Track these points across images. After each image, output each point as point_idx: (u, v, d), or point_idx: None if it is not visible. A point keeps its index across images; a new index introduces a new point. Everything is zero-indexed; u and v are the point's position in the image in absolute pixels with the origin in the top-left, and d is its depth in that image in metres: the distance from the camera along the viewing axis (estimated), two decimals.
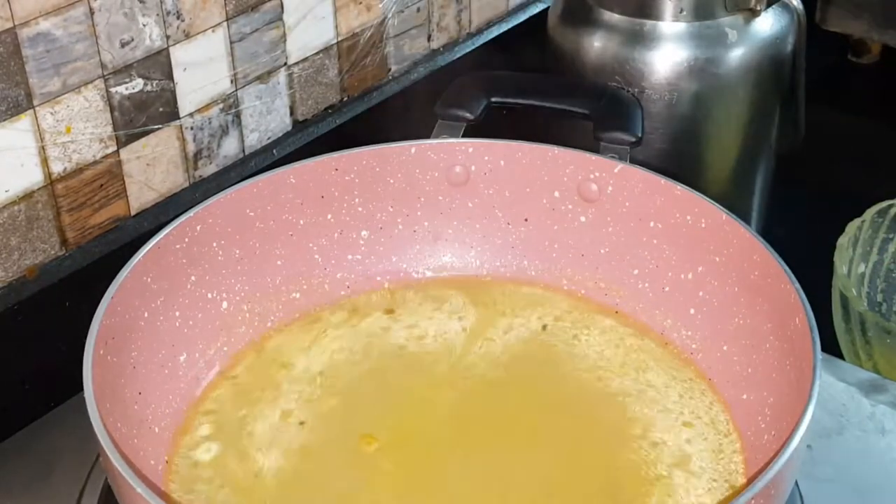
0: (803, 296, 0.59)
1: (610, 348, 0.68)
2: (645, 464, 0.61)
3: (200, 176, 0.80)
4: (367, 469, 0.61)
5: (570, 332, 0.70)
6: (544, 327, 0.70)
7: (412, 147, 0.72)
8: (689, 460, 0.61)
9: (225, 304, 0.68)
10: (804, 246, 0.71)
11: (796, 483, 0.62)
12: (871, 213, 0.85)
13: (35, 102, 0.68)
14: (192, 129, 0.78)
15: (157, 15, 0.72)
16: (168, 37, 0.73)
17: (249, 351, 0.69)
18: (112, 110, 0.72)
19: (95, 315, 0.58)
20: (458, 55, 0.97)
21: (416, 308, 0.72)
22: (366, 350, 0.69)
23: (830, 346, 0.80)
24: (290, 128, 0.86)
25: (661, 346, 0.68)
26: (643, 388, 0.66)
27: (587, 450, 0.62)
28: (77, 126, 0.70)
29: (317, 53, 0.85)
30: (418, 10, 0.92)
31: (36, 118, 0.68)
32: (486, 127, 0.76)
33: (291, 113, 0.85)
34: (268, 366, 0.68)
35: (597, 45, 0.87)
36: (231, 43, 0.78)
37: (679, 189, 0.67)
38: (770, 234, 0.66)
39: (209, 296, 0.67)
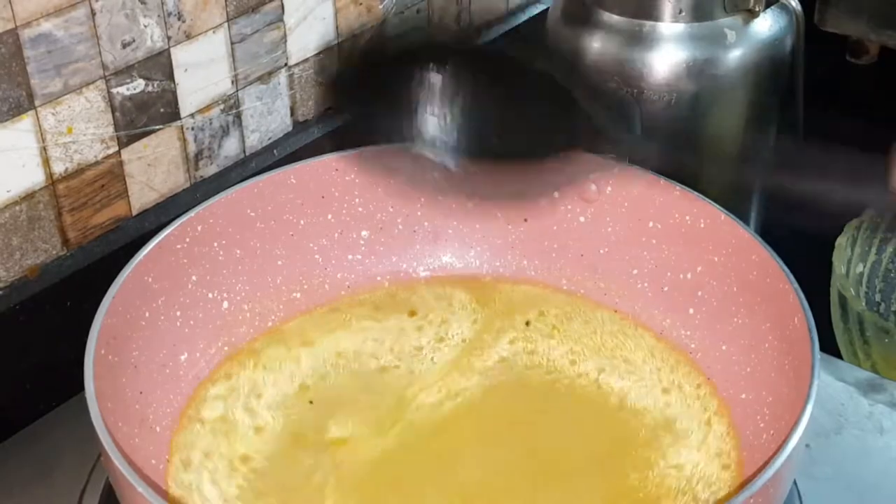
0: (802, 296, 0.59)
1: (587, 335, 0.69)
2: (628, 430, 0.63)
3: (201, 176, 0.80)
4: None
5: (550, 324, 0.70)
6: (527, 323, 0.70)
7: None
8: (672, 423, 0.63)
9: (226, 304, 0.68)
10: (803, 246, 0.71)
11: (795, 482, 0.63)
12: (869, 213, 0.85)
13: (36, 103, 0.68)
14: (192, 129, 0.78)
15: (159, 16, 0.72)
16: (169, 38, 0.74)
17: (265, 336, 0.70)
18: (113, 111, 0.72)
19: (97, 315, 0.58)
20: None
21: (431, 307, 0.72)
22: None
23: (829, 345, 0.80)
24: (290, 128, 0.86)
25: (655, 338, 0.69)
26: (618, 362, 0.67)
27: (567, 429, 0.63)
28: (78, 126, 0.71)
29: (317, 54, 0.85)
30: (418, 11, 0.93)
31: (37, 119, 0.68)
32: None
33: (292, 113, 0.85)
34: (289, 342, 0.69)
35: (596, 45, 0.87)
36: (232, 44, 0.78)
37: (678, 189, 0.68)
38: (769, 234, 0.66)
39: (210, 295, 0.68)
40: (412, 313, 0.71)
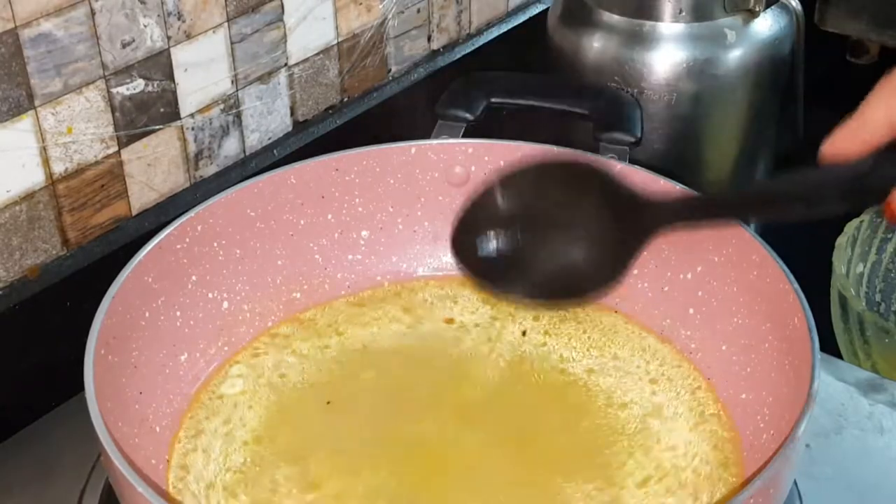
0: (802, 296, 0.59)
1: (576, 337, 0.69)
2: (619, 423, 0.63)
3: (201, 176, 0.80)
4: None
5: (542, 330, 0.70)
6: (524, 333, 0.70)
7: (412, 147, 0.72)
8: (660, 409, 0.64)
9: (226, 304, 0.68)
10: (803, 246, 0.71)
11: (795, 482, 0.63)
12: (869, 212, 0.85)
13: (36, 103, 0.68)
14: (192, 129, 0.78)
15: (158, 16, 0.72)
16: (169, 37, 0.74)
17: (287, 322, 0.70)
18: (113, 111, 0.72)
19: (97, 315, 0.58)
20: (458, 56, 0.98)
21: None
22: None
23: (829, 345, 0.80)
24: (290, 128, 0.86)
25: (661, 341, 0.69)
26: (606, 360, 0.67)
27: (560, 430, 0.63)
28: (78, 126, 0.71)
29: (317, 54, 0.85)
30: (418, 10, 0.93)
31: (37, 118, 0.68)
32: (486, 127, 0.76)
33: (292, 113, 0.86)
34: (320, 331, 0.70)
35: (596, 45, 0.87)
36: (232, 44, 0.78)
37: (678, 189, 0.67)
38: (769, 234, 0.66)
39: (210, 295, 0.68)
40: (449, 321, 0.71)
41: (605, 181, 0.58)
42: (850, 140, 0.52)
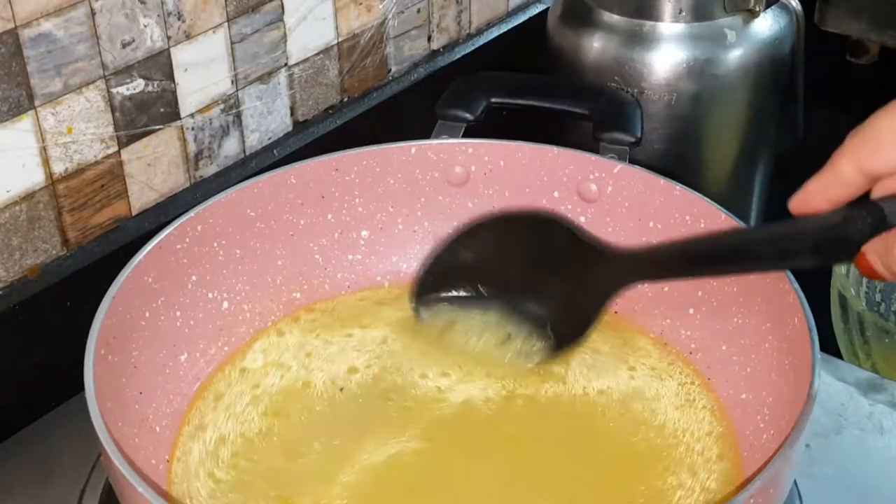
0: (802, 295, 0.59)
1: None
2: (598, 408, 0.63)
3: (201, 176, 0.80)
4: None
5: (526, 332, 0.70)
6: (509, 336, 0.70)
7: (412, 147, 0.72)
8: (641, 393, 0.64)
9: (226, 304, 0.68)
10: None
11: (795, 482, 0.63)
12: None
13: (36, 103, 0.68)
14: (192, 129, 0.78)
15: (158, 16, 0.72)
16: (169, 37, 0.74)
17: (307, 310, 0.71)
18: (113, 111, 0.72)
19: (97, 315, 0.58)
20: (458, 56, 0.98)
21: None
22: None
23: (829, 345, 0.80)
24: (290, 128, 0.86)
25: (658, 345, 0.69)
26: (584, 355, 0.67)
27: (541, 428, 0.63)
28: (78, 126, 0.71)
29: (317, 54, 0.85)
30: (418, 10, 0.93)
31: (37, 118, 0.68)
32: (486, 127, 0.76)
33: (292, 113, 0.86)
34: (344, 321, 0.70)
35: (596, 45, 0.87)
36: (232, 44, 0.78)
37: (678, 189, 0.68)
38: None
39: (210, 295, 0.68)
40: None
41: (569, 236, 0.59)
42: (820, 195, 0.51)
